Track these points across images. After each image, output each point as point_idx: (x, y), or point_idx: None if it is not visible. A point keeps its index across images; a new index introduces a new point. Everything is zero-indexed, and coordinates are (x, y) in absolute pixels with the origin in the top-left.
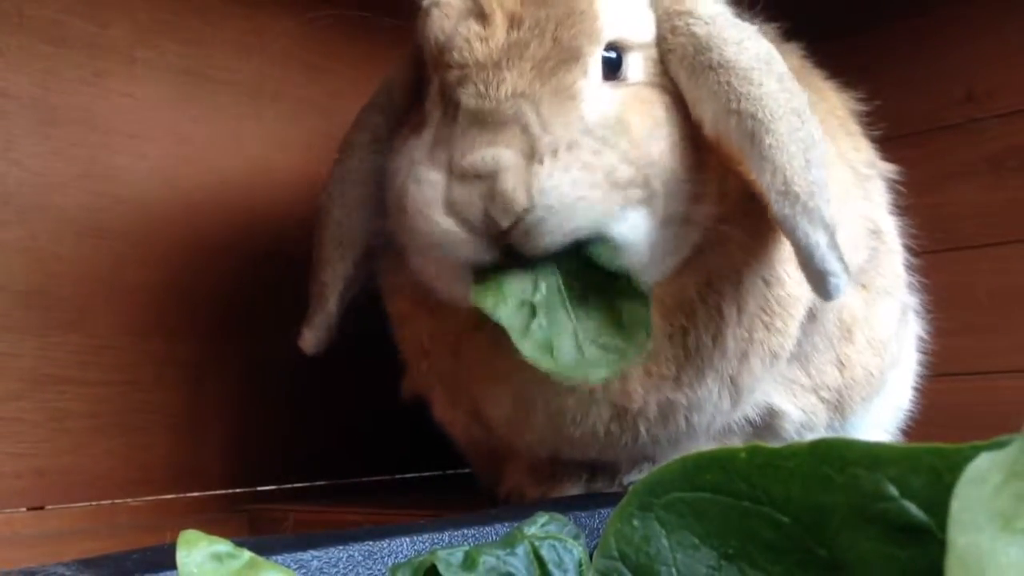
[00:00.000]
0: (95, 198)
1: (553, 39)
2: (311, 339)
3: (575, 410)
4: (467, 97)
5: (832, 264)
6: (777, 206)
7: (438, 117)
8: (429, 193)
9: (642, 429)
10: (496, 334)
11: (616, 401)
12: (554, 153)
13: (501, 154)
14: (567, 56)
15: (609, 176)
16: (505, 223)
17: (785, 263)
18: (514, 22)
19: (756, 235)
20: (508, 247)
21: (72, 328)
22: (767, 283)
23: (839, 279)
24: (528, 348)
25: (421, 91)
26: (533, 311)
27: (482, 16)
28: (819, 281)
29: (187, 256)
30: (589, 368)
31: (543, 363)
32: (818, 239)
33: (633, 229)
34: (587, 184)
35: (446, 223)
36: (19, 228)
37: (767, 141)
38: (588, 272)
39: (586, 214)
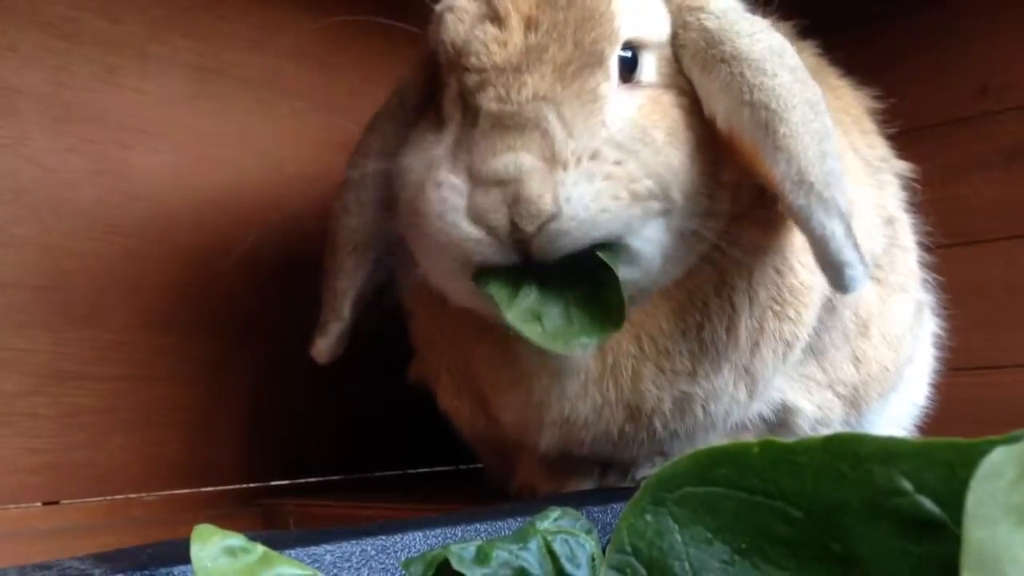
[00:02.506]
0: (109, 194)
1: (574, 42)
2: (324, 348)
3: (588, 414)
4: (487, 101)
5: (848, 254)
6: (791, 196)
7: (457, 121)
8: (452, 199)
9: (658, 425)
10: (507, 339)
11: (630, 402)
12: (578, 161)
13: (522, 159)
14: (590, 60)
15: (630, 187)
16: (531, 228)
17: (797, 252)
18: (531, 25)
19: (768, 226)
20: (526, 253)
21: (87, 324)
22: (779, 272)
23: (856, 270)
24: (513, 316)
25: (434, 94)
26: (522, 285)
27: (498, 19)
28: (836, 273)
29: (200, 252)
30: (576, 334)
31: (529, 331)
32: (834, 229)
33: (650, 241)
34: (608, 195)
35: (470, 229)
36: (34, 224)
37: (781, 131)
38: (575, 257)
39: (606, 226)
